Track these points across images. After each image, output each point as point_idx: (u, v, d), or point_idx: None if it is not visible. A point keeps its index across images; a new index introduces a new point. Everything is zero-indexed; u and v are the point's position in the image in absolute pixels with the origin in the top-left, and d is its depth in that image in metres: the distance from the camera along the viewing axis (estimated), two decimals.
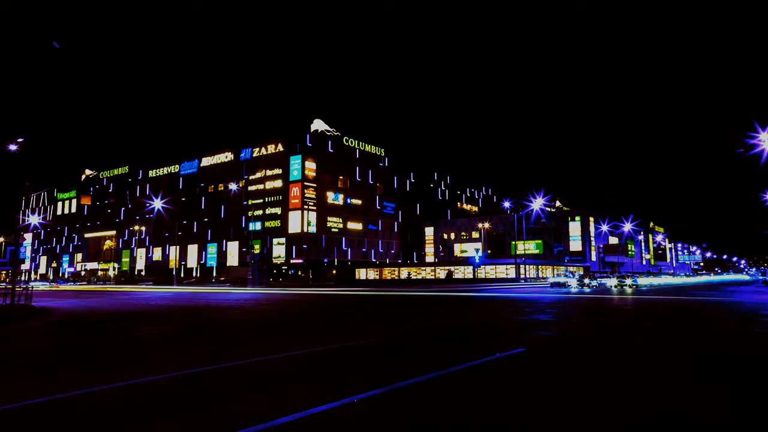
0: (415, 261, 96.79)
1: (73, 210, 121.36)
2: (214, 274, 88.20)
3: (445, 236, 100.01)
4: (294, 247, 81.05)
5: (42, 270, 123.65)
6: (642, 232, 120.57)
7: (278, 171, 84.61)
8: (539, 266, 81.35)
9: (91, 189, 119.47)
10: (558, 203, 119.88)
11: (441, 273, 76.20)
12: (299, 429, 5.04)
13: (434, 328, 14.22)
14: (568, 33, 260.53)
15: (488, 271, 75.56)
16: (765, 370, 8.16)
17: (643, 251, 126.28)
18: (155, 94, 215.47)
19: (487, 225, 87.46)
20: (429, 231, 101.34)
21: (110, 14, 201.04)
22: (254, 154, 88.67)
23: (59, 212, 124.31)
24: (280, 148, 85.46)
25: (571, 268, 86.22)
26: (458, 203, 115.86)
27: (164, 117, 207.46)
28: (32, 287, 26.67)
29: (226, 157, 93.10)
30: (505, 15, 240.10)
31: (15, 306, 21.49)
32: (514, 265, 73.99)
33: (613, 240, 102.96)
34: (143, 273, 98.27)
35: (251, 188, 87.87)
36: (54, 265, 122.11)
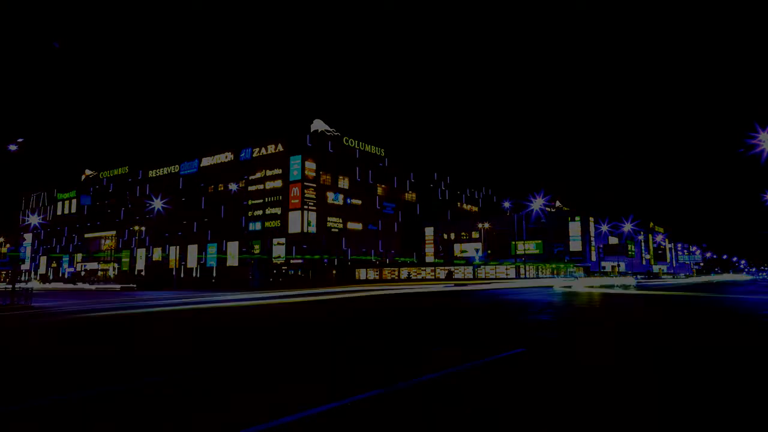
0: (415, 261, 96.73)
1: (73, 210, 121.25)
2: (214, 275, 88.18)
3: (445, 236, 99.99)
4: (294, 247, 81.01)
5: (42, 270, 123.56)
6: (642, 232, 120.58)
7: (278, 171, 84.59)
8: (539, 266, 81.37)
9: (91, 189, 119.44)
10: (558, 203, 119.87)
11: (441, 273, 76.23)
12: (300, 429, 5.03)
13: None
14: (567, 33, 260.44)
15: (488, 271, 75.58)
16: None
17: (643, 251, 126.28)
18: (155, 94, 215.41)
19: (487, 225, 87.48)
20: (429, 231, 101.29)
21: (110, 14, 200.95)
22: (254, 155, 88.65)
23: (59, 212, 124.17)
24: (280, 148, 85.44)
25: (571, 269, 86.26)
26: (458, 203, 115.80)
27: (164, 117, 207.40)
28: None
29: (226, 157, 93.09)
30: (504, 15, 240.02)
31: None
32: (514, 265, 74.00)
33: (613, 240, 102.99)
34: (143, 273, 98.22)
35: (251, 188, 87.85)
36: (54, 265, 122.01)
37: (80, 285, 75.79)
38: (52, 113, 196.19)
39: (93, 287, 41.92)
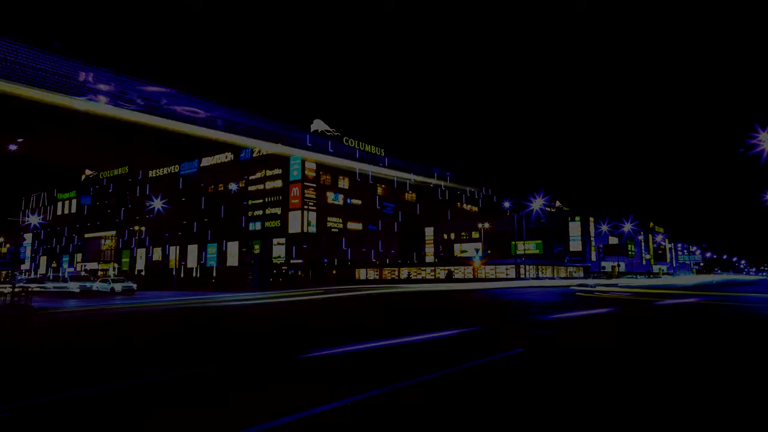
0: (415, 261, 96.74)
1: (73, 210, 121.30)
2: (214, 275, 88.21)
3: (445, 236, 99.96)
4: (294, 247, 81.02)
5: (42, 270, 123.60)
6: (642, 232, 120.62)
7: (278, 171, 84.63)
8: (539, 266, 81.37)
9: (91, 189, 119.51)
10: (558, 203, 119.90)
11: (441, 273, 76.23)
12: (300, 429, 5.03)
13: None
14: (567, 33, 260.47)
15: (488, 271, 75.57)
16: None
17: (643, 251, 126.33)
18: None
19: (487, 225, 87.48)
20: (429, 231, 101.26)
21: (110, 14, 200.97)
22: (254, 154, 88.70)
23: (59, 212, 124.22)
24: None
25: (571, 269, 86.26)
26: (458, 203, 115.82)
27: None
28: None
29: (226, 157, 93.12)
30: (504, 15, 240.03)
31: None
32: (514, 266, 73.98)
33: (613, 240, 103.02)
34: (143, 273, 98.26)
35: (251, 188, 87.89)
36: (54, 265, 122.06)
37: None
38: (51, 113, 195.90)
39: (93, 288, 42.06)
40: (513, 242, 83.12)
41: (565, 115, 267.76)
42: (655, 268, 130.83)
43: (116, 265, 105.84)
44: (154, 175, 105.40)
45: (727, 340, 11.42)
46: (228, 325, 16.19)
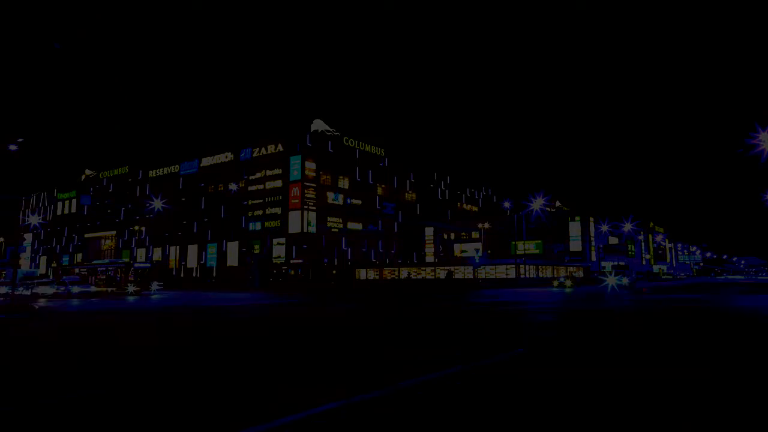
0: (415, 261, 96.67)
1: (73, 210, 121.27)
2: (214, 275, 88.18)
3: (445, 236, 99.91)
4: (294, 247, 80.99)
5: (42, 270, 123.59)
6: (642, 232, 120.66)
7: (278, 171, 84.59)
8: (539, 266, 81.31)
9: (91, 189, 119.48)
10: (558, 203, 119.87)
11: (441, 273, 76.16)
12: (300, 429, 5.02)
13: None
14: (567, 34, 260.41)
15: (488, 272, 75.50)
16: None
17: (643, 251, 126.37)
18: (155, 94, 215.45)
19: (487, 225, 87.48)
20: (429, 231, 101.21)
21: (110, 14, 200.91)
22: (254, 155, 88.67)
23: (59, 212, 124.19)
24: (280, 148, 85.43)
25: (571, 269, 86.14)
26: (458, 203, 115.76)
27: (164, 117, 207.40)
28: None
29: (226, 157, 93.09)
30: (504, 16, 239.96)
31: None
32: (514, 266, 73.92)
33: (613, 240, 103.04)
34: None
35: (251, 188, 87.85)
36: (54, 265, 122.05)
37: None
38: (52, 113, 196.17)
39: (92, 289, 41.91)
40: (513, 242, 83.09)
41: (566, 116, 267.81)
42: (655, 268, 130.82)
43: None
44: (154, 175, 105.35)
45: (735, 344, 11.39)
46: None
